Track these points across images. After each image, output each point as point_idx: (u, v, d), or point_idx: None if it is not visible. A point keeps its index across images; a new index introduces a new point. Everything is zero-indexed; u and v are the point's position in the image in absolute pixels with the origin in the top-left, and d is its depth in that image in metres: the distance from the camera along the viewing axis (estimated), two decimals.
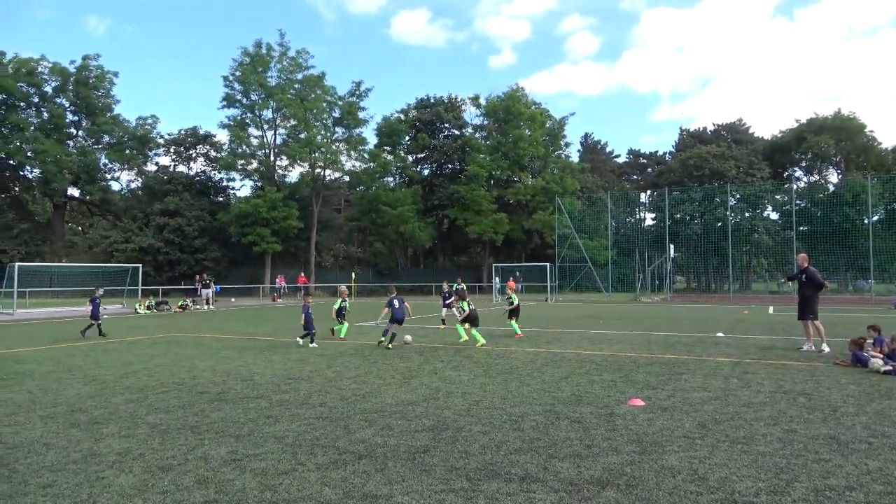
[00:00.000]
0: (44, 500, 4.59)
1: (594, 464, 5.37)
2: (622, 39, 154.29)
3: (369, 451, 5.83)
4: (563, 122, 63.95)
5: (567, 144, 65.71)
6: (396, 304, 14.84)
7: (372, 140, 61.48)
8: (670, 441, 6.10)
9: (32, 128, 50.55)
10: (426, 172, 64.83)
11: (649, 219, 71.27)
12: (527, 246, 65.17)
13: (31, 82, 51.47)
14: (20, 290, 32.03)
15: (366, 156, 58.58)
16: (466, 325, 15.15)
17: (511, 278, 42.75)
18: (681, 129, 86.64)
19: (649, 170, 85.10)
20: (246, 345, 15.28)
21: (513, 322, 17.49)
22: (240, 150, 52.87)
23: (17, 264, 31.54)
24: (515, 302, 17.71)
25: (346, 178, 61.63)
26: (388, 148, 62.16)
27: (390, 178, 62.48)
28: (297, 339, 15.38)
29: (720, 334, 16.99)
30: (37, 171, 50.52)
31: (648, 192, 69.79)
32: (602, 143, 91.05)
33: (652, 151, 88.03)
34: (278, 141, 55.24)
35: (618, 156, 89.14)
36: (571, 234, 49.47)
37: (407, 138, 63.14)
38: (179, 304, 33.22)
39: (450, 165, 64.66)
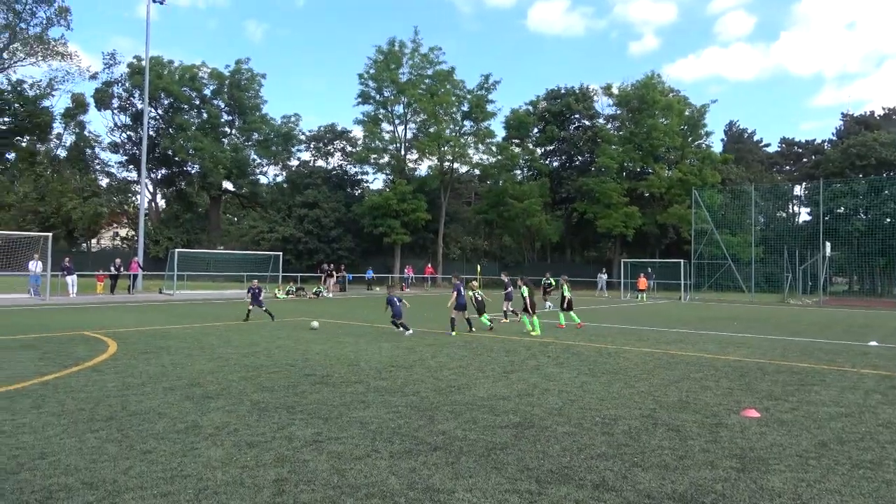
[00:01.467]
0: (140, 465, 4.98)
1: (681, 477, 4.92)
2: (780, 18, 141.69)
3: (446, 443, 5.76)
4: (703, 109, 59.95)
5: (708, 133, 61.50)
6: (461, 291, 15.64)
7: (500, 133, 61.51)
8: (779, 459, 5.46)
9: (194, 127, 55.93)
10: (555, 165, 63.68)
11: (804, 213, 65.16)
12: (661, 241, 62.02)
13: (193, 86, 56.91)
14: (180, 273, 35.62)
15: (493, 149, 58.62)
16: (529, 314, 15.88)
17: (641, 274, 40.79)
18: (843, 114, 77.86)
19: (804, 160, 77.64)
20: (363, 331, 15.84)
21: (572, 314, 18.37)
22: (373, 144, 55.03)
23: (177, 250, 35.02)
24: (568, 295, 18.73)
25: (476, 171, 62.05)
26: (516, 140, 61.79)
27: (518, 171, 62.08)
28: (405, 333, 15.09)
29: (873, 343, 15.11)
30: (196, 167, 55.85)
31: (804, 184, 63.77)
32: (750, 131, 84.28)
33: (808, 140, 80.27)
34: (409, 135, 56.85)
35: (767, 145, 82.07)
36: (710, 229, 46.31)
37: (535, 130, 62.38)
38: (314, 290, 35.23)
39: (579, 157, 63.05)
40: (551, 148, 63.86)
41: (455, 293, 15.63)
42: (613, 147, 57.02)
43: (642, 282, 39.70)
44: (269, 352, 11.74)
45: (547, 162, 63.45)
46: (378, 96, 54.53)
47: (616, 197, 54.30)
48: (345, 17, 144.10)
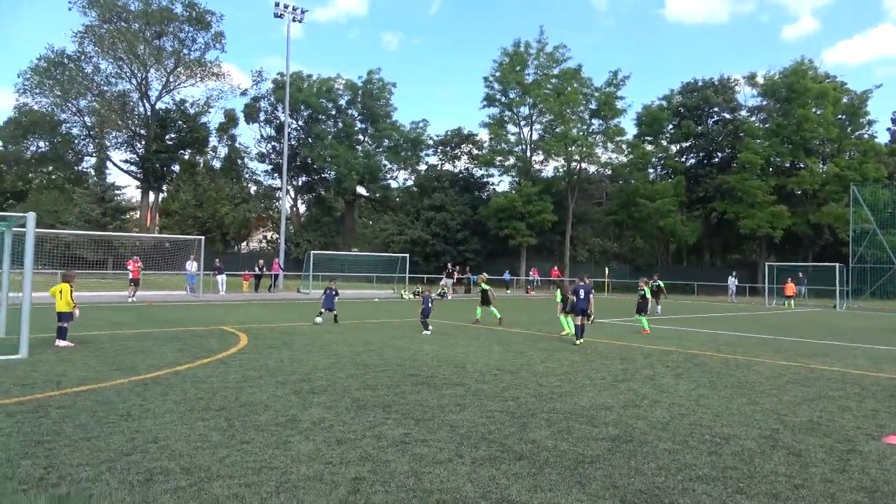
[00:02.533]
0: (235, 454, 5.26)
1: None
2: None
3: (533, 453, 5.54)
4: (865, 96, 53.79)
5: (871, 123, 55.13)
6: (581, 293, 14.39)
7: (631, 130, 59.18)
8: None
9: (330, 136, 59.22)
10: (691, 162, 60.13)
11: None
12: (815, 243, 56.52)
13: (330, 98, 60.28)
14: (315, 273, 37.82)
15: (623, 147, 56.51)
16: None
17: (789, 279, 37.33)
18: None
19: None
20: (478, 333, 15.83)
21: (641, 317, 17.66)
22: (498, 147, 55.10)
23: (312, 252, 37.22)
24: (648, 294, 18.53)
25: (606, 171, 60.19)
26: (648, 138, 59.11)
27: (651, 170, 59.35)
28: (424, 332, 15.28)
29: None
30: (332, 174, 59.06)
31: None
32: None
33: None
34: (534, 136, 56.30)
35: None
36: (872, 229, 41.42)
37: (670, 126, 59.28)
38: (438, 292, 35.85)
39: (719, 153, 58.99)
40: (687, 144, 60.37)
41: (573, 296, 14.89)
42: (758, 141, 52.81)
43: (790, 287, 36.38)
44: (382, 351, 12.05)
45: (682, 159, 60.11)
46: (503, 98, 54.53)
47: (761, 195, 50.18)
48: (474, 21, 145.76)
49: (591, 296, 14.45)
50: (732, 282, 40.90)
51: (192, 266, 31.44)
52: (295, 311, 21.93)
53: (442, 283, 37.41)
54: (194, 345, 12.27)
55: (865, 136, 55.83)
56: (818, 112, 51.52)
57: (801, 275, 43.38)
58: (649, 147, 58.39)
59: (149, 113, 59.46)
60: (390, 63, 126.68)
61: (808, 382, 9.68)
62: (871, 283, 42.57)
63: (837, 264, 37.21)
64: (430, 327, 15.61)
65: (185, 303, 25.51)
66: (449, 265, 40.59)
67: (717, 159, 58.88)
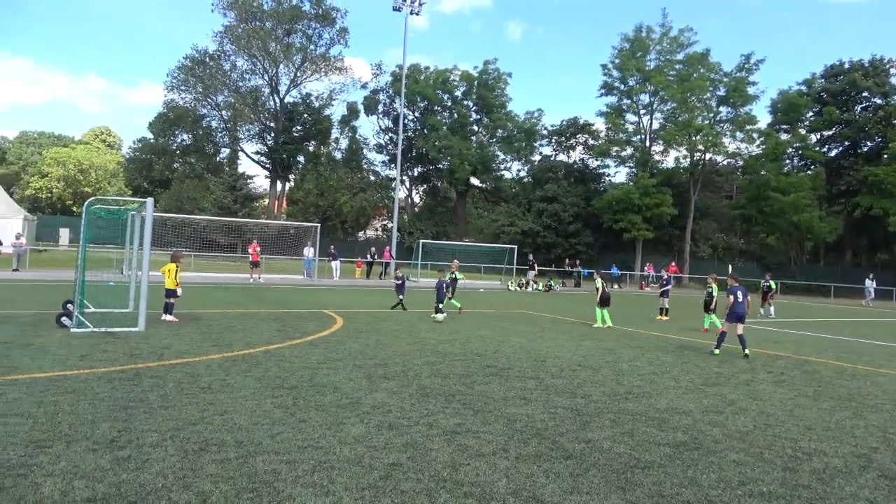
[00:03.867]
0: (288, 432, 5.47)
1: None
2: None
3: (584, 453, 5.30)
4: None
5: None
6: (739, 296, 12.03)
7: (765, 119, 54.86)
8: None
9: (445, 127, 59.94)
10: (833, 153, 54.81)
11: None
12: None
13: (445, 89, 60.97)
14: (424, 262, 38.62)
15: (754, 136, 52.55)
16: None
17: None
18: None
19: None
20: (571, 328, 15.42)
21: (713, 317, 16.31)
22: (615, 136, 53.18)
23: (421, 241, 37.98)
24: (714, 292, 16.97)
25: (735, 162, 56.37)
26: (784, 126, 54.54)
27: (786, 161, 54.72)
28: (435, 315, 15.54)
29: None
30: (446, 164, 59.80)
31: None
32: None
33: None
34: (655, 126, 53.76)
35: None
36: None
37: (809, 113, 54.31)
38: (543, 284, 35.36)
39: (867, 143, 53.27)
40: (829, 133, 55.08)
41: (731, 297, 12.06)
42: None
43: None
44: (468, 340, 12.06)
45: (823, 150, 54.94)
46: (622, 86, 52.49)
47: None
48: (598, 9, 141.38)
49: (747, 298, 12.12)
50: (870, 284, 36.99)
51: (308, 252, 33.13)
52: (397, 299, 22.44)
53: (531, 275, 36.51)
54: (292, 326, 12.91)
55: None
56: None
57: None
58: (785, 136, 53.89)
59: (278, 107, 63.18)
60: (511, 53, 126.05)
61: None
62: None
63: None
64: (444, 313, 15.75)
65: (299, 286, 26.92)
66: (531, 257, 39.24)
67: (864, 149, 53.24)
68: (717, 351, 11.94)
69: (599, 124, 57.15)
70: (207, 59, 60.66)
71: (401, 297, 18.42)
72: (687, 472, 4.93)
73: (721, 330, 12.51)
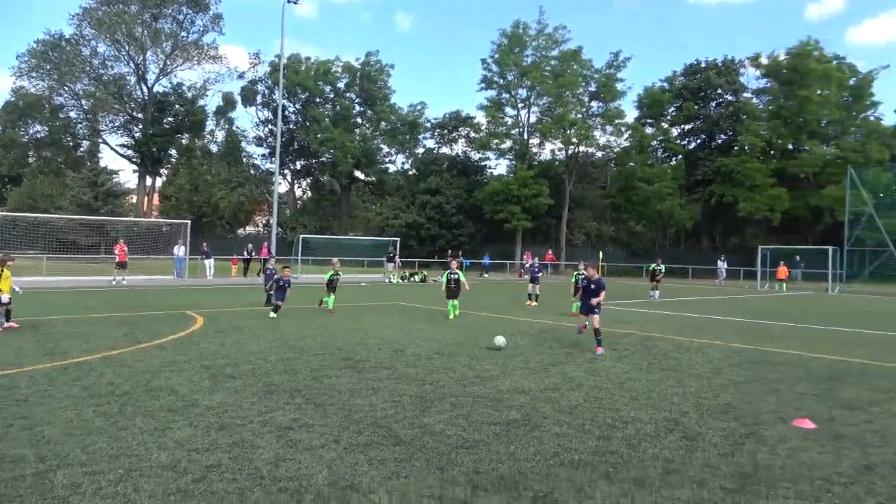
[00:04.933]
0: (104, 442, 5.14)
1: (646, 497, 4.18)
2: None
3: (415, 438, 5.39)
4: (870, 77, 52.74)
5: (875, 104, 54.09)
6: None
7: (633, 113, 58.48)
8: (793, 482, 4.49)
9: (327, 119, 58.89)
10: (692, 145, 59.42)
11: None
12: (815, 227, 55.87)
13: (327, 80, 59.92)
14: (306, 257, 37.85)
15: (623, 130, 55.88)
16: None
17: (782, 263, 36.90)
18: None
19: None
20: (443, 318, 15.62)
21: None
22: (495, 130, 54.62)
23: (301, 236, 37.14)
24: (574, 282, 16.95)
25: (600, 154, 59.67)
26: (649, 120, 58.44)
27: (652, 153, 58.61)
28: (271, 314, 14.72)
29: None
30: (328, 157, 58.83)
31: None
32: None
33: None
34: (532, 119, 55.74)
35: None
36: (868, 212, 40.78)
37: (672, 109, 58.51)
38: (420, 275, 35.54)
39: (721, 136, 58.22)
40: (689, 127, 59.65)
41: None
42: (759, 123, 52.04)
43: (782, 271, 36.00)
44: (332, 335, 11.90)
45: (683, 142, 59.43)
46: (501, 80, 53.95)
47: (760, 178, 49.57)
48: (481, 2, 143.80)
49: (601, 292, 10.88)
50: (722, 265, 40.54)
51: (179, 250, 31.41)
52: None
53: (390, 267, 35.27)
54: (143, 329, 12.17)
55: (871, 117, 54.89)
56: (822, 93, 50.63)
57: (798, 258, 42.93)
58: (650, 130, 57.73)
59: (146, 96, 59.26)
60: (399, 45, 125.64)
61: (751, 366, 9.47)
62: (867, 266, 42.07)
63: (830, 247, 36.69)
64: (274, 314, 14.59)
65: (167, 287, 25.49)
66: (391, 249, 37.55)
67: (718, 142, 58.14)
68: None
69: (480, 117, 58.51)
70: (63, 44, 55.72)
71: (270, 292, 17.89)
72: (508, 448, 5.14)
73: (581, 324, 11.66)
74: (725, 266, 41.20)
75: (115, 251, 27.57)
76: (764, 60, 55.39)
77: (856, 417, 6.45)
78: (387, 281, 33.92)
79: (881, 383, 8.31)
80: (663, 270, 25.42)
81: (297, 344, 10.63)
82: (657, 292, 24.37)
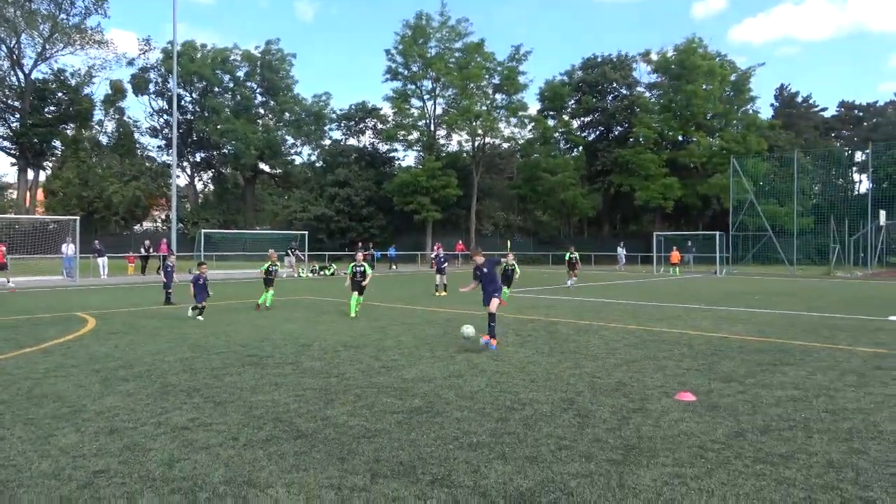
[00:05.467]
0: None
1: (541, 472, 4.40)
2: None
3: (316, 430, 5.38)
4: (749, 73, 56.90)
5: (753, 98, 58.43)
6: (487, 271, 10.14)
7: (536, 105, 60.10)
8: (672, 451, 4.86)
9: (227, 110, 56.66)
10: (591, 137, 61.87)
11: (865, 181, 61.59)
12: (703, 213, 59.81)
13: (225, 69, 57.61)
14: (208, 253, 36.37)
15: (526, 122, 57.34)
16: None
17: (674, 248, 39.31)
18: None
19: (864, 124, 73.11)
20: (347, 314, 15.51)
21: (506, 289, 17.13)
22: (402, 121, 54.57)
23: (203, 231, 35.70)
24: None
25: (506, 146, 61.02)
26: (551, 112, 60.28)
27: (555, 144, 60.57)
28: (189, 311, 13.80)
29: (893, 318, 13.94)
30: (230, 148, 56.71)
31: (868, 149, 60.10)
32: (805, 96, 79.45)
33: (870, 102, 75.23)
34: (438, 111, 56.14)
35: (823, 109, 77.37)
36: (749, 199, 44.12)
37: (571, 102, 60.61)
38: (327, 269, 35.06)
39: (618, 128, 60.99)
40: (588, 119, 62.07)
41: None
42: (652, 116, 54.94)
43: (674, 255, 38.32)
44: (235, 332, 11.59)
45: (584, 134, 61.77)
46: (406, 72, 53.91)
47: (654, 168, 52.44)
48: None
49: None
50: (622, 252, 42.58)
51: (68, 249, 29.38)
52: (176, 294, 20.85)
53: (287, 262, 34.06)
54: (27, 333, 11.36)
55: (750, 111, 59.24)
56: (707, 88, 54.07)
57: (689, 243, 45.77)
58: (552, 122, 59.56)
59: (23, 83, 54.69)
60: (299, 34, 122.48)
61: (642, 345, 10.08)
62: (750, 249, 45.54)
63: (718, 233, 39.44)
64: (200, 316, 13.53)
65: (57, 288, 23.81)
66: (293, 243, 36.47)
67: (615, 134, 60.84)
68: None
69: (387, 109, 58.25)
70: None
71: (170, 291, 17.22)
72: (409, 435, 5.24)
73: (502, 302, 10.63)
74: (625, 252, 43.32)
75: None
76: (654, 56, 58.54)
77: (731, 389, 7.03)
78: (295, 275, 33.23)
79: (756, 357, 9.07)
80: (578, 258, 25.61)
81: (198, 343, 10.28)
82: (573, 280, 24.43)
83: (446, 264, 21.63)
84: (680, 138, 57.37)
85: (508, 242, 48.86)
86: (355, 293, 14.31)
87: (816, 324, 12.93)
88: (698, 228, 56.70)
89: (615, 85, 60.32)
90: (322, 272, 34.90)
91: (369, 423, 5.63)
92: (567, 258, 25.53)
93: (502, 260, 17.07)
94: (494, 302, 9.82)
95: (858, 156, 62.06)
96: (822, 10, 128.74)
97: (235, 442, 5.07)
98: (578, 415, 5.91)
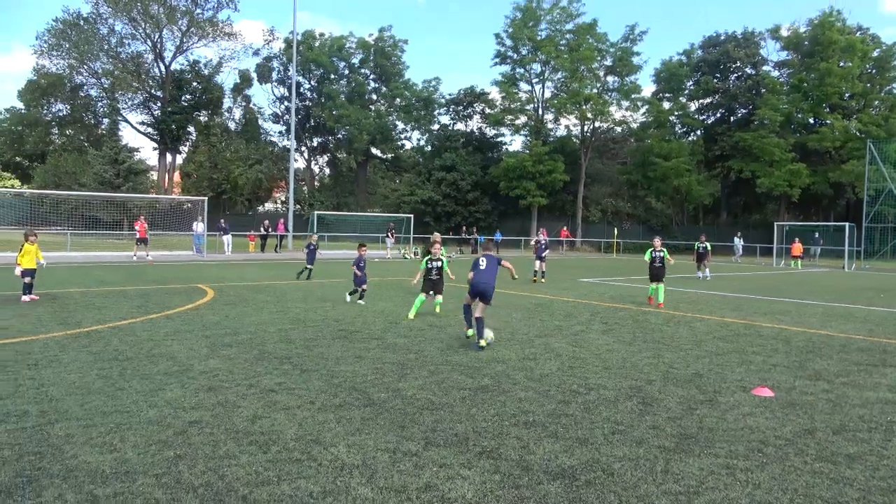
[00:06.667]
0: (101, 400, 5.62)
1: (592, 453, 4.53)
2: None
3: (385, 401, 5.78)
4: (893, 49, 51.41)
5: None
6: (483, 263, 8.87)
7: (650, 87, 57.79)
8: (730, 442, 4.81)
9: (342, 96, 59.03)
10: (710, 120, 58.58)
11: None
12: (836, 202, 55.15)
13: (341, 56, 59.94)
14: (321, 234, 38.35)
15: (639, 105, 55.27)
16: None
17: (796, 239, 36.56)
18: None
19: None
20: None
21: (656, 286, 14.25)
22: (510, 105, 54.36)
23: (316, 212, 37.69)
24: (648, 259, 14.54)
25: (618, 129, 59.18)
26: (667, 94, 57.70)
27: (670, 128, 57.96)
28: (346, 295, 13.44)
29: None
30: (343, 134, 59.12)
31: None
32: None
33: None
34: (547, 94, 55.36)
35: None
36: (888, 188, 40.10)
37: (690, 83, 57.62)
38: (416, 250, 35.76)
39: (741, 110, 57.28)
40: (707, 101, 58.82)
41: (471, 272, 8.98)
42: (779, 97, 51.12)
43: (796, 247, 35.74)
44: (333, 307, 12.35)
45: (702, 117, 58.64)
46: (515, 55, 53.57)
47: (779, 153, 48.92)
48: None
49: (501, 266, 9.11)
50: (738, 242, 40.26)
51: (197, 227, 32.13)
52: (288, 270, 22.37)
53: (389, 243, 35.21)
54: (156, 301, 12.74)
55: (895, 90, 53.63)
56: (844, 66, 49.55)
57: (817, 235, 42.44)
58: (667, 105, 57.03)
59: (164, 74, 59.90)
60: (413, 19, 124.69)
61: (734, 339, 9.72)
62: (888, 243, 41.51)
63: (847, 224, 36.30)
64: (360, 299, 13.14)
65: (187, 262, 26.21)
66: (391, 224, 37.54)
67: (737, 116, 57.28)
68: (470, 332, 8.81)
69: (495, 93, 58.23)
70: (81, 22, 56.42)
71: (309, 266, 18.74)
72: (470, 410, 5.52)
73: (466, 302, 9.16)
74: (742, 243, 40.94)
75: (136, 227, 28.34)
76: (784, 32, 54.34)
77: (817, 388, 6.71)
78: (389, 256, 34.26)
79: (856, 356, 8.52)
80: (709, 248, 24.17)
81: (299, 316, 11.09)
82: (705, 271, 23.33)
83: (547, 251, 21.49)
84: (811, 121, 53.10)
85: (615, 230, 47.72)
86: (425, 294, 11.49)
87: None
88: (829, 219, 52.46)
89: (739, 64, 56.67)
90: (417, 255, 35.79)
91: (436, 396, 5.97)
92: (696, 248, 24.47)
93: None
94: (479, 306, 8.61)
95: None
96: None
97: (312, 405, 5.58)
98: (643, 402, 5.93)
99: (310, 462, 4.25)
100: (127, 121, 61.86)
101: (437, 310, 11.79)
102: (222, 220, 35.01)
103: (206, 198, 33.44)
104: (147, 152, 74.58)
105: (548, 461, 4.34)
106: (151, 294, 14.01)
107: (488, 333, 8.56)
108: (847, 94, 51.08)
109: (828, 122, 50.49)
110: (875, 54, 51.61)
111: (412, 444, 4.61)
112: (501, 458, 4.37)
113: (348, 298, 13.34)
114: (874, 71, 52.35)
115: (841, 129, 49.58)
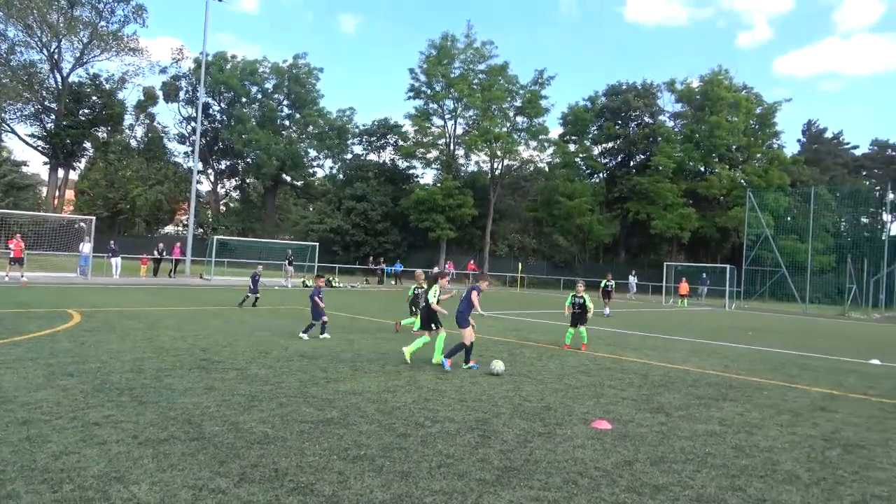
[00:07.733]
0: None
1: (398, 485, 4.51)
2: None
3: (218, 435, 5.56)
4: (774, 107, 56.43)
5: (777, 133, 57.90)
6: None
7: (558, 129, 60.28)
8: (550, 474, 4.93)
9: (253, 121, 57.92)
10: (612, 164, 61.75)
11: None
12: (722, 245, 59.07)
13: (254, 80, 58.98)
14: (221, 259, 37.08)
15: (546, 145, 57.50)
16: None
17: (683, 279, 38.85)
18: None
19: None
20: (343, 323, 15.73)
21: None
22: (422, 139, 55.12)
23: (215, 237, 36.40)
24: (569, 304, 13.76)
25: (530, 168, 61.23)
26: (573, 137, 60.37)
27: (574, 169, 60.49)
28: (301, 333, 12.54)
29: (875, 361, 13.69)
30: (252, 158, 57.86)
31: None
32: (836, 133, 78.13)
33: None
34: (459, 131, 56.59)
35: (855, 147, 76.09)
36: (764, 234, 43.47)
37: (594, 127, 60.64)
38: (331, 280, 35.33)
39: (640, 156, 60.79)
40: (610, 146, 62.00)
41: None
42: (672, 145, 54.67)
43: (683, 287, 37.92)
44: (208, 336, 11.85)
45: (604, 161, 61.68)
46: (428, 91, 54.55)
47: (672, 197, 52.11)
48: (419, 9, 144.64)
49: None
50: (633, 280, 42.21)
51: (84, 247, 30.24)
52: (170, 297, 21.36)
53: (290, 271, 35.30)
54: (9, 325, 11.80)
55: (774, 145, 58.69)
56: (731, 120, 53.75)
57: (704, 275, 45.15)
58: (572, 147, 59.61)
59: (59, 86, 56.66)
60: (338, 47, 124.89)
61: (597, 372, 10.08)
62: (765, 284, 44.82)
63: (728, 266, 38.96)
64: (323, 333, 12.61)
65: (65, 285, 24.51)
66: (289, 252, 37.26)
67: (635, 161, 60.66)
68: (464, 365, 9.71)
69: (408, 126, 58.88)
70: None
71: (255, 295, 18.62)
72: (303, 445, 5.39)
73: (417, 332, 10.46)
74: (636, 281, 42.94)
75: (11, 246, 26.37)
76: (679, 86, 58.39)
77: (654, 420, 7.04)
78: (289, 286, 33.63)
79: (703, 391, 9.03)
80: (613, 286, 25.46)
81: (164, 345, 10.55)
82: (608, 309, 24.30)
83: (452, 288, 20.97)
84: (701, 169, 57.00)
85: (520, 265, 48.90)
86: (428, 331, 10.31)
87: (788, 362, 12.77)
88: (716, 261, 56.00)
89: (638, 112, 60.24)
90: (328, 284, 35.20)
91: (274, 430, 5.79)
92: (602, 286, 25.25)
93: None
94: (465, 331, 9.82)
95: (892, 194, 60.82)
96: (870, 44, 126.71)
97: (134, 440, 5.27)
98: (482, 435, 6.00)
99: (101, 502, 3.99)
100: (14, 132, 57.84)
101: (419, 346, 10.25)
102: (112, 242, 33.12)
103: (94, 217, 31.56)
104: (37, 167, 69.80)
105: (360, 496, 4.29)
106: (6, 318, 12.95)
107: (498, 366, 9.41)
108: (733, 147, 55.30)
109: (716, 170, 54.39)
110: (758, 111, 56.38)
111: (224, 481, 4.43)
112: (313, 494, 4.28)
113: (304, 336, 12.30)
114: (757, 126, 57.11)
115: (727, 177, 53.56)
